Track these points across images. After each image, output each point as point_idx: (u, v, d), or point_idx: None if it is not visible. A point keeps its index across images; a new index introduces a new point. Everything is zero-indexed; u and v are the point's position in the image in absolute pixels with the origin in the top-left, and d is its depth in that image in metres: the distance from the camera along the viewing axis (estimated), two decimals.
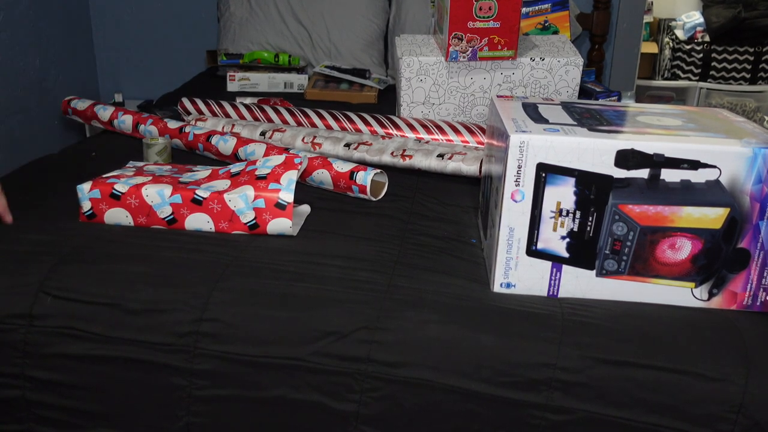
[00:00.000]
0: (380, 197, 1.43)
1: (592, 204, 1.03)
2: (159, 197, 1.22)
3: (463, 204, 1.44)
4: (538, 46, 1.92)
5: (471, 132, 1.67)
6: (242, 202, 1.21)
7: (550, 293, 1.09)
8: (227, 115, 1.83)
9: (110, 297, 1.06)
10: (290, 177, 1.23)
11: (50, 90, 2.61)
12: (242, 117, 1.81)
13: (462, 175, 1.52)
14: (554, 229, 1.05)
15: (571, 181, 1.02)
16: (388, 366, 1.00)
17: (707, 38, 3.49)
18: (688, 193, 1.01)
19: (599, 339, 1.00)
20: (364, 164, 1.60)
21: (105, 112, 1.79)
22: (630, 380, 0.97)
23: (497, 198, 1.09)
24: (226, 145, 1.56)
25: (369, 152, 1.58)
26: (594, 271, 1.07)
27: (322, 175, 1.42)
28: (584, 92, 2.16)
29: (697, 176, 1.01)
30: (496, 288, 1.10)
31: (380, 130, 1.71)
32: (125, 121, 1.75)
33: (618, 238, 1.05)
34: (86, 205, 1.24)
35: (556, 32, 2.32)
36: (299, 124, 1.78)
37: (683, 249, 1.05)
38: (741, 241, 1.04)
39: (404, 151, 1.56)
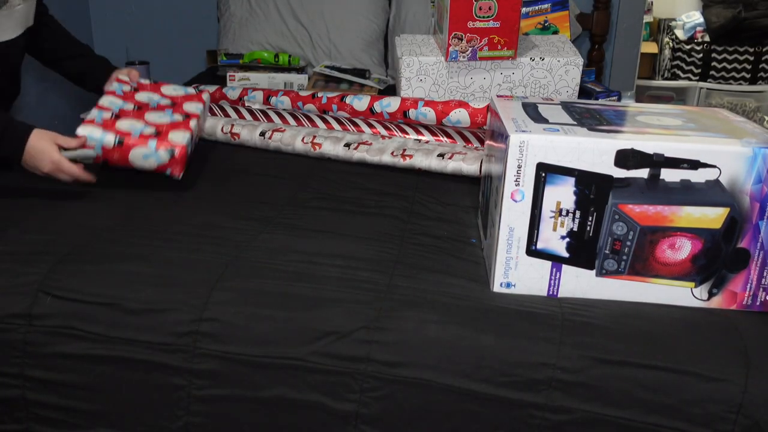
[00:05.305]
0: None
1: (592, 204, 1.03)
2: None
3: (463, 204, 1.44)
4: (538, 46, 1.92)
5: (471, 133, 1.66)
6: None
7: (550, 293, 1.09)
8: (226, 115, 1.83)
9: (110, 297, 1.06)
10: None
11: (50, 89, 2.60)
12: (242, 117, 1.81)
13: (462, 174, 1.52)
14: (554, 229, 1.05)
15: (571, 180, 1.02)
16: (387, 366, 1.00)
17: (707, 38, 3.48)
18: (687, 193, 1.01)
19: (599, 339, 1.00)
20: (364, 164, 1.60)
21: (254, 96, 1.94)
22: (630, 380, 0.97)
23: (497, 198, 1.09)
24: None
25: (369, 152, 1.58)
26: (594, 271, 1.07)
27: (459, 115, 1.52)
28: (584, 92, 2.15)
29: (697, 176, 1.01)
30: (496, 288, 1.09)
31: (382, 130, 1.71)
32: (255, 96, 1.91)
33: (618, 237, 1.04)
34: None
35: (556, 32, 2.32)
36: (300, 125, 1.77)
37: (683, 249, 1.04)
38: (741, 241, 1.04)
39: (404, 151, 1.56)
